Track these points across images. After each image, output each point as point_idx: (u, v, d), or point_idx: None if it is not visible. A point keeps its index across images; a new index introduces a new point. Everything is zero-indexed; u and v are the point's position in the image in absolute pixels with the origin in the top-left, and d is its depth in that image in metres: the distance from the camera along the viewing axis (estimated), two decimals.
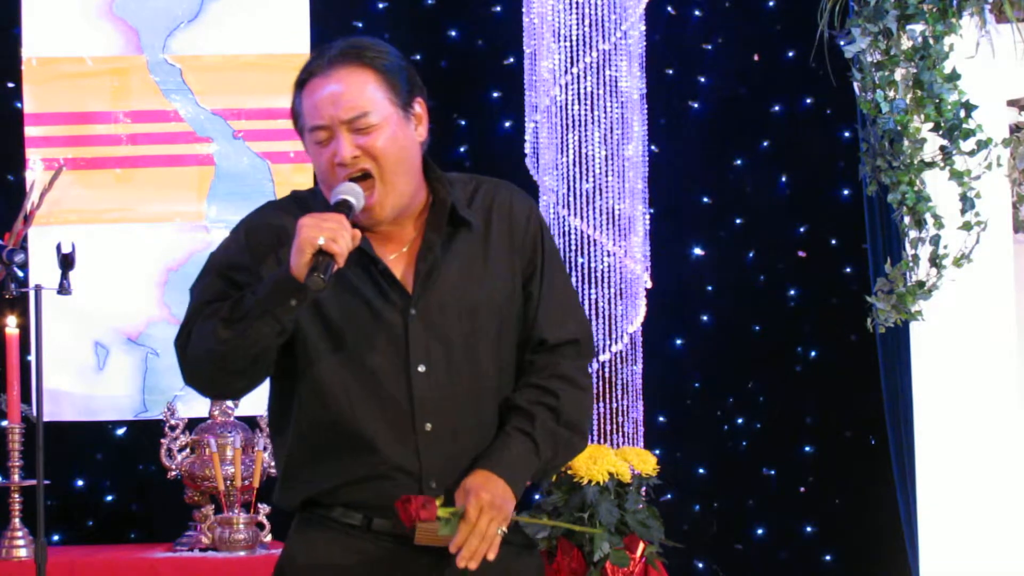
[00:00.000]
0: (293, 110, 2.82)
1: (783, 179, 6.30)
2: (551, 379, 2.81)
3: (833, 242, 6.25)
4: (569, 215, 5.45)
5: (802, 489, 6.20)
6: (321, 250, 2.61)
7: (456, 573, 2.72)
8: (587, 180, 5.53)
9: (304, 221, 2.64)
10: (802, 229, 6.27)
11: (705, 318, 6.25)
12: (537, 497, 5.31)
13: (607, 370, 5.50)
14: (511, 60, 6.05)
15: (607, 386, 5.48)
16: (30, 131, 5.79)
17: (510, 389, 2.81)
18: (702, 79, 6.29)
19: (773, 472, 6.21)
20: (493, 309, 2.80)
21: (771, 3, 6.30)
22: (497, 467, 2.71)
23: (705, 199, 6.27)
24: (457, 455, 2.74)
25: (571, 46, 5.54)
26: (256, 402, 5.52)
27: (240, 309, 2.67)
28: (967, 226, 4.97)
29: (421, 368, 2.74)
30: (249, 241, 2.80)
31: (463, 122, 6.19)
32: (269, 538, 5.33)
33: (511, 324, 2.83)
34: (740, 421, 6.22)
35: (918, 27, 4.97)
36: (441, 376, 2.75)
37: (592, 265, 5.47)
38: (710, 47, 6.29)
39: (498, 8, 6.14)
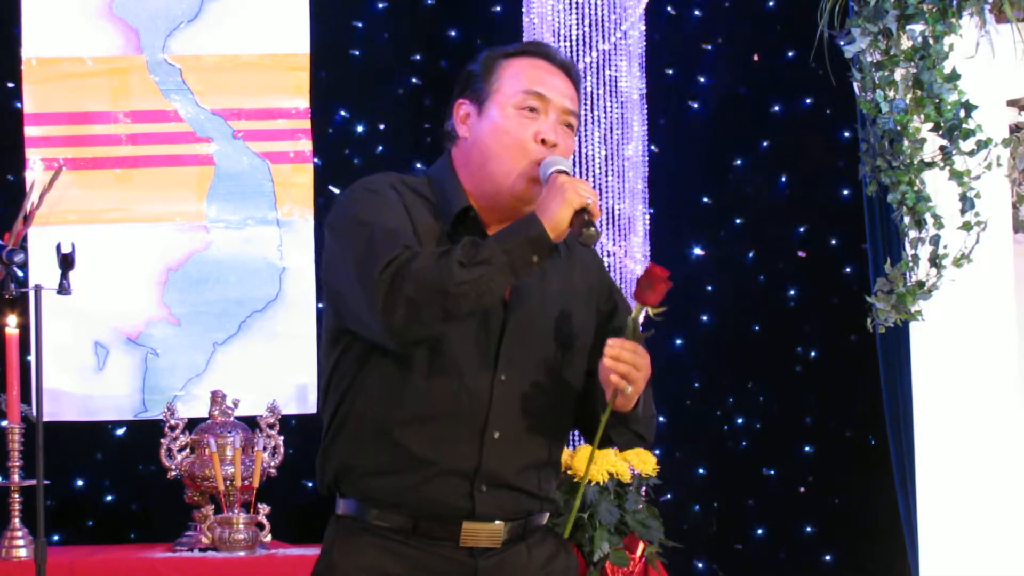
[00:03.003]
0: (487, 68, 2.82)
1: (783, 179, 6.30)
2: None
3: (833, 242, 6.24)
4: None
5: (802, 489, 6.20)
6: (582, 209, 2.64)
7: (506, 573, 2.77)
8: (587, 180, 5.53)
9: (564, 180, 2.66)
10: (802, 229, 6.27)
11: (705, 318, 6.25)
12: None
13: None
14: None
15: None
16: (30, 131, 5.78)
17: (566, 415, 2.86)
18: (702, 79, 6.29)
19: (773, 472, 6.21)
20: (571, 334, 2.84)
21: (771, 3, 6.29)
22: None
23: (705, 199, 6.27)
24: (511, 465, 2.77)
25: (571, 46, 5.55)
26: (256, 402, 5.52)
27: (479, 254, 2.60)
28: (967, 226, 4.97)
29: (503, 377, 2.75)
30: (401, 194, 2.78)
31: None
32: (269, 538, 5.33)
33: (583, 353, 2.87)
34: (740, 421, 6.22)
35: (918, 27, 4.97)
36: (518, 386, 2.77)
37: None
38: (710, 47, 6.29)
39: (498, 8, 6.14)
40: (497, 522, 2.77)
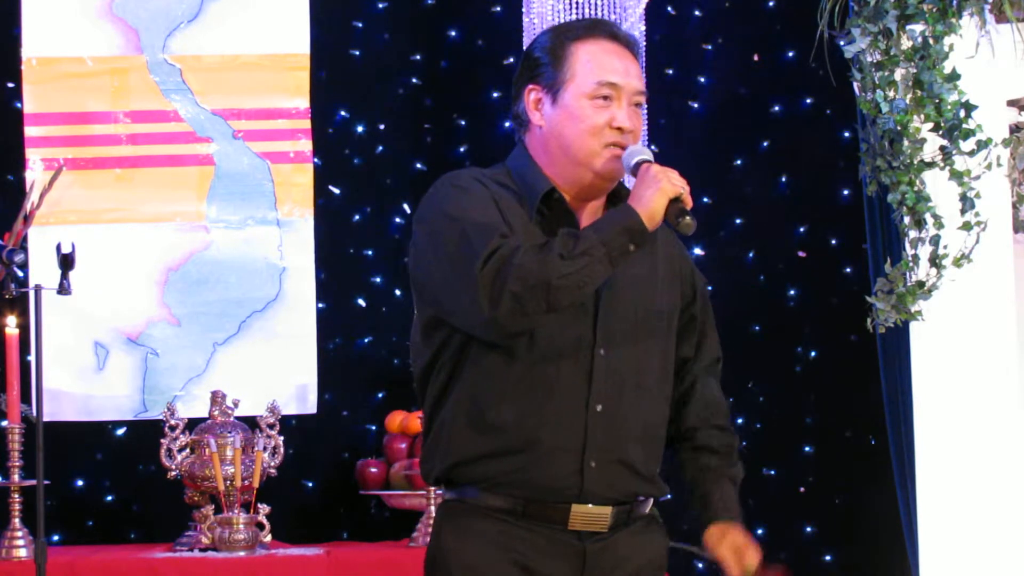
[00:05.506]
0: (556, 55, 2.86)
1: (783, 179, 6.30)
2: (723, 419, 3.18)
3: (833, 242, 6.24)
4: None
5: (802, 489, 6.19)
6: (676, 198, 2.77)
7: (612, 558, 2.83)
8: None
9: (657, 170, 2.78)
10: (802, 229, 6.27)
11: None
12: None
13: None
14: (511, 60, 6.05)
15: None
16: (30, 131, 5.78)
17: (665, 396, 2.94)
18: (702, 79, 6.29)
19: (773, 472, 6.21)
20: (660, 315, 2.93)
21: (771, 3, 6.29)
22: (735, 514, 3.16)
23: (705, 199, 6.27)
24: (616, 440, 2.84)
25: None
26: (256, 402, 5.52)
27: (578, 246, 2.68)
28: (967, 226, 4.97)
29: (601, 352, 2.82)
30: (487, 187, 2.84)
31: (463, 122, 6.19)
32: (269, 538, 5.33)
33: (672, 334, 2.96)
34: (740, 421, 6.22)
35: (918, 27, 4.97)
36: (616, 362, 2.83)
37: None
38: (710, 47, 6.29)
39: (498, 8, 6.14)
40: (605, 506, 2.83)
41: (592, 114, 2.84)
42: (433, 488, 2.93)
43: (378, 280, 6.07)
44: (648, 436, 2.90)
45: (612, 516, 2.85)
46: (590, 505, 2.81)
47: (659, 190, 2.76)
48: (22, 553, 5.14)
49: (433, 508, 5.16)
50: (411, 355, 2.93)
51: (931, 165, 4.99)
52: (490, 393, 2.78)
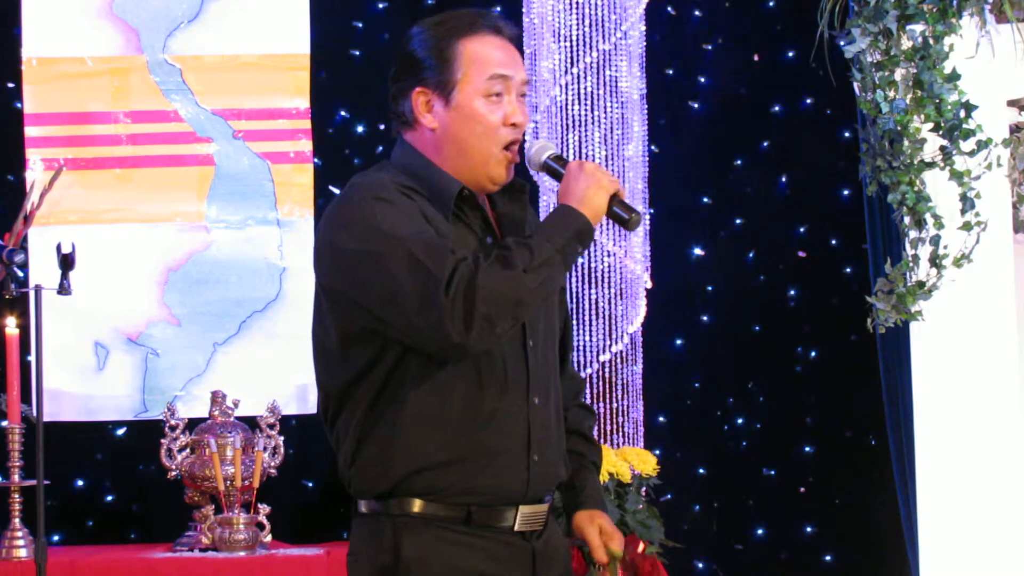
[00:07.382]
0: (443, 56, 2.81)
1: (783, 179, 6.30)
2: (583, 397, 3.08)
3: (833, 242, 6.24)
4: None
5: (802, 489, 6.20)
6: (614, 194, 2.71)
7: (550, 552, 2.86)
8: None
9: (591, 167, 2.73)
10: (802, 229, 6.27)
11: (705, 318, 6.25)
12: None
13: (607, 370, 5.50)
14: None
15: (607, 386, 5.49)
16: (30, 131, 5.78)
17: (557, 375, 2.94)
18: (702, 79, 6.29)
19: (773, 472, 6.21)
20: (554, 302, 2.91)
21: (771, 3, 6.30)
22: (604, 506, 3.01)
23: (705, 199, 6.27)
24: (550, 431, 2.83)
25: (571, 46, 5.55)
26: (256, 402, 5.52)
27: (535, 257, 2.64)
28: (967, 226, 4.97)
29: (531, 343, 2.81)
30: (408, 196, 2.76)
31: None
32: (269, 538, 5.33)
33: (558, 312, 2.96)
34: (740, 421, 6.22)
35: (918, 27, 4.97)
36: (540, 352, 2.83)
37: (592, 265, 5.48)
38: (710, 47, 6.29)
39: (498, 8, 6.14)
40: (543, 503, 2.83)
41: (487, 113, 2.78)
42: (370, 501, 2.81)
43: None
44: (561, 423, 2.90)
45: (546, 511, 2.86)
46: (532, 504, 2.80)
47: (600, 187, 2.70)
48: (22, 553, 5.14)
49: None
50: (320, 367, 2.82)
51: (931, 165, 4.99)
52: (444, 402, 2.72)
